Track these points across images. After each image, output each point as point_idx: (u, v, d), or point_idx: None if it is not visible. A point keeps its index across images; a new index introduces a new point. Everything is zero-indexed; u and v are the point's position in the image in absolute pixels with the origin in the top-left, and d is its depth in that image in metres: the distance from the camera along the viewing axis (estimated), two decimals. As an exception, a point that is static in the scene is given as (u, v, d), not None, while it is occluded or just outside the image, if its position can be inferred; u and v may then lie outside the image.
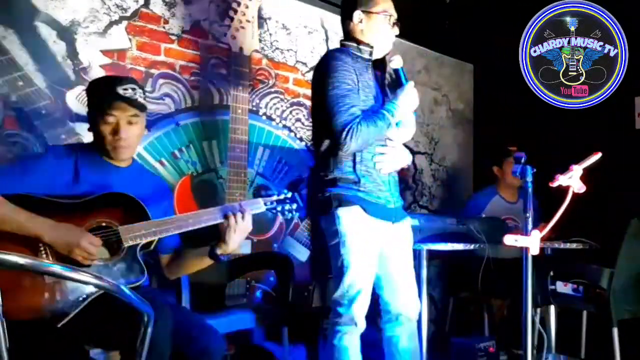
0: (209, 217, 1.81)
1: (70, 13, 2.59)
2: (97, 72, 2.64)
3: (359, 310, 2.09)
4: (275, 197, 1.92)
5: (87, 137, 2.53)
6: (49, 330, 1.60)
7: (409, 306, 2.22)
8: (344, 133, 2.01)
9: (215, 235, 1.88)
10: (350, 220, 2.08)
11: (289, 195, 1.93)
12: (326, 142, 2.15)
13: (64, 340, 1.63)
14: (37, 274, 1.60)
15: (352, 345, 2.10)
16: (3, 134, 2.39)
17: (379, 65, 2.27)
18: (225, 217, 1.80)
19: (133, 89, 1.78)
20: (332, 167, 2.12)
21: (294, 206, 1.93)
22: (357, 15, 2.19)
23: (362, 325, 2.11)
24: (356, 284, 2.08)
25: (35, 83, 2.47)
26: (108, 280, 1.15)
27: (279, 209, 1.91)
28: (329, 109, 2.05)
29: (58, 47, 2.55)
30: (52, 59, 2.53)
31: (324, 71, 2.10)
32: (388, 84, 2.30)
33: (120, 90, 1.75)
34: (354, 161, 2.11)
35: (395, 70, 2.21)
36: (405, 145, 2.31)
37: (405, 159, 2.26)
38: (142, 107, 1.81)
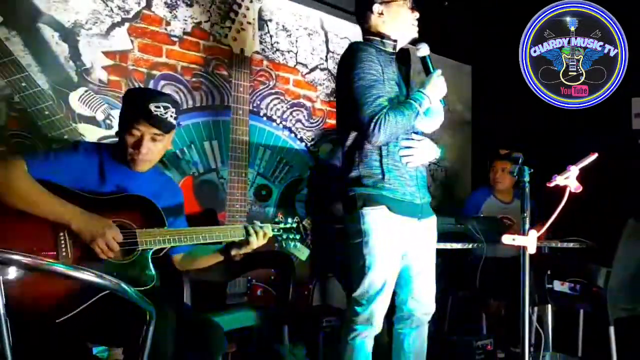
0: (221, 233, 1.87)
1: (73, 15, 2.62)
2: (99, 74, 2.67)
3: (378, 311, 2.06)
4: (282, 226, 1.99)
5: (89, 138, 2.58)
6: (51, 328, 1.61)
7: (424, 308, 2.20)
8: (372, 124, 1.95)
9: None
10: (375, 220, 2.04)
11: (295, 226, 2.00)
12: (352, 136, 2.10)
13: (66, 337, 1.65)
14: (41, 273, 1.61)
15: (365, 345, 2.08)
16: (7, 134, 2.41)
17: (402, 58, 2.21)
18: (248, 232, 1.89)
19: (165, 108, 1.79)
20: (358, 161, 2.08)
21: (298, 237, 2.00)
22: (377, 7, 2.13)
23: (379, 326, 2.08)
24: (377, 285, 2.04)
25: (38, 84, 2.49)
26: (110, 278, 1.16)
27: (283, 237, 1.99)
28: (355, 100, 1.99)
29: (61, 49, 2.58)
30: (54, 61, 2.56)
31: (349, 64, 2.04)
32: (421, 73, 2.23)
33: (152, 107, 1.76)
34: (380, 155, 2.06)
35: (422, 58, 2.15)
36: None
37: (432, 153, 2.19)
38: (169, 128, 1.82)
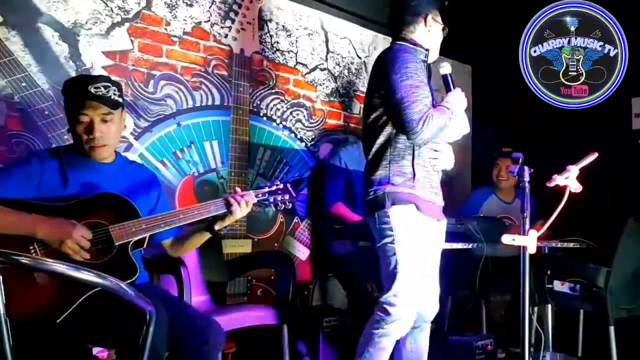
0: (201, 211, 1.82)
1: (73, 15, 2.62)
2: (99, 74, 2.66)
3: (409, 311, 2.07)
4: (266, 189, 1.90)
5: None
6: (51, 329, 1.61)
7: (428, 308, 2.21)
8: (420, 122, 2.00)
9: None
10: (405, 219, 2.06)
11: (281, 186, 1.90)
12: (383, 135, 2.13)
13: (66, 338, 1.65)
14: (40, 273, 1.61)
15: (388, 349, 2.09)
16: (6, 134, 2.41)
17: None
18: (229, 204, 1.81)
19: (106, 87, 1.78)
20: (390, 159, 2.11)
21: (287, 197, 1.89)
22: (430, 19, 2.21)
23: (407, 328, 2.10)
24: (409, 284, 2.06)
25: (38, 84, 2.49)
26: (111, 278, 1.16)
27: (271, 200, 1.89)
28: (402, 98, 2.03)
29: (61, 49, 2.58)
30: (55, 60, 2.56)
31: (394, 63, 2.08)
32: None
33: (92, 89, 1.75)
34: (413, 155, 2.10)
35: (444, 76, 2.22)
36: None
37: (452, 161, 2.27)
38: (115, 105, 1.80)
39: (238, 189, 1.87)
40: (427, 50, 2.21)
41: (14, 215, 1.63)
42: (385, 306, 2.06)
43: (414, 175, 2.09)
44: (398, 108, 2.04)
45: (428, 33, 2.22)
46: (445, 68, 2.21)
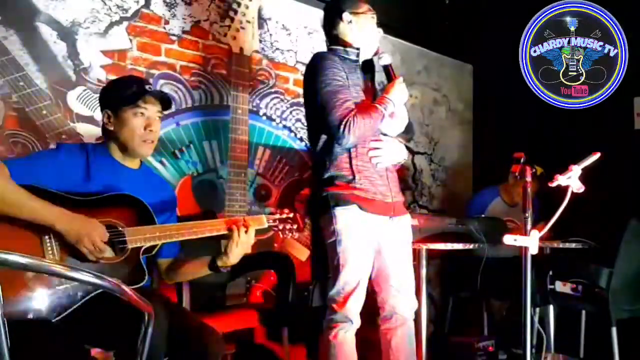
0: (213, 228, 1.83)
1: (71, 13, 2.60)
2: (97, 73, 2.65)
3: (354, 307, 2.12)
4: (277, 216, 1.96)
5: (87, 138, 2.57)
6: (49, 330, 1.60)
7: (405, 305, 2.23)
8: (342, 126, 2.04)
9: (215, 244, 1.90)
10: (346, 219, 2.11)
11: (291, 215, 1.97)
12: (322, 141, 2.17)
13: (65, 339, 1.63)
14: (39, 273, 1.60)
15: (346, 341, 2.13)
16: (4, 134, 2.39)
17: (367, 68, 2.31)
18: (229, 229, 1.82)
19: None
20: (328, 164, 2.15)
21: (295, 226, 1.97)
22: (347, 16, 2.22)
23: (357, 322, 2.14)
24: (351, 282, 2.11)
25: (36, 83, 2.47)
26: (109, 279, 1.15)
27: (280, 227, 1.96)
28: (324, 105, 2.08)
29: (59, 48, 2.56)
30: (52, 60, 2.54)
31: (315, 71, 2.14)
32: (379, 85, 2.33)
33: (148, 88, 1.82)
34: (350, 157, 2.14)
35: (385, 67, 2.24)
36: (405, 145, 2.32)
37: (401, 154, 2.27)
38: (169, 104, 1.89)
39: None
40: (357, 49, 2.23)
41: (38, 203, 1.61)
42: (332, 304, 2.13)
43: (354, 176, 2.12)
44: (321, 115, 2.10)
45: (351, 28, 2.23)
46: (384, 59, 2.24)
